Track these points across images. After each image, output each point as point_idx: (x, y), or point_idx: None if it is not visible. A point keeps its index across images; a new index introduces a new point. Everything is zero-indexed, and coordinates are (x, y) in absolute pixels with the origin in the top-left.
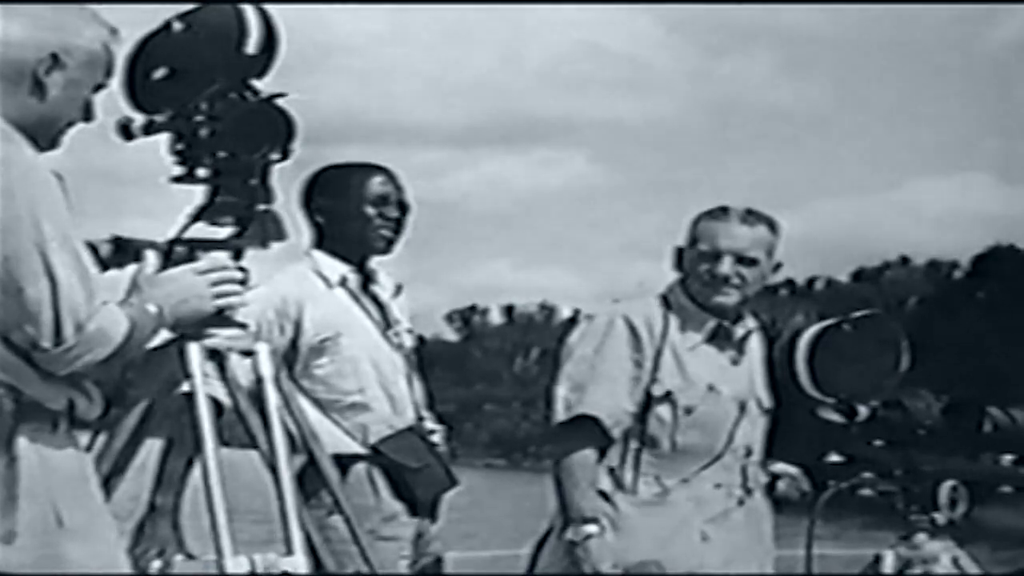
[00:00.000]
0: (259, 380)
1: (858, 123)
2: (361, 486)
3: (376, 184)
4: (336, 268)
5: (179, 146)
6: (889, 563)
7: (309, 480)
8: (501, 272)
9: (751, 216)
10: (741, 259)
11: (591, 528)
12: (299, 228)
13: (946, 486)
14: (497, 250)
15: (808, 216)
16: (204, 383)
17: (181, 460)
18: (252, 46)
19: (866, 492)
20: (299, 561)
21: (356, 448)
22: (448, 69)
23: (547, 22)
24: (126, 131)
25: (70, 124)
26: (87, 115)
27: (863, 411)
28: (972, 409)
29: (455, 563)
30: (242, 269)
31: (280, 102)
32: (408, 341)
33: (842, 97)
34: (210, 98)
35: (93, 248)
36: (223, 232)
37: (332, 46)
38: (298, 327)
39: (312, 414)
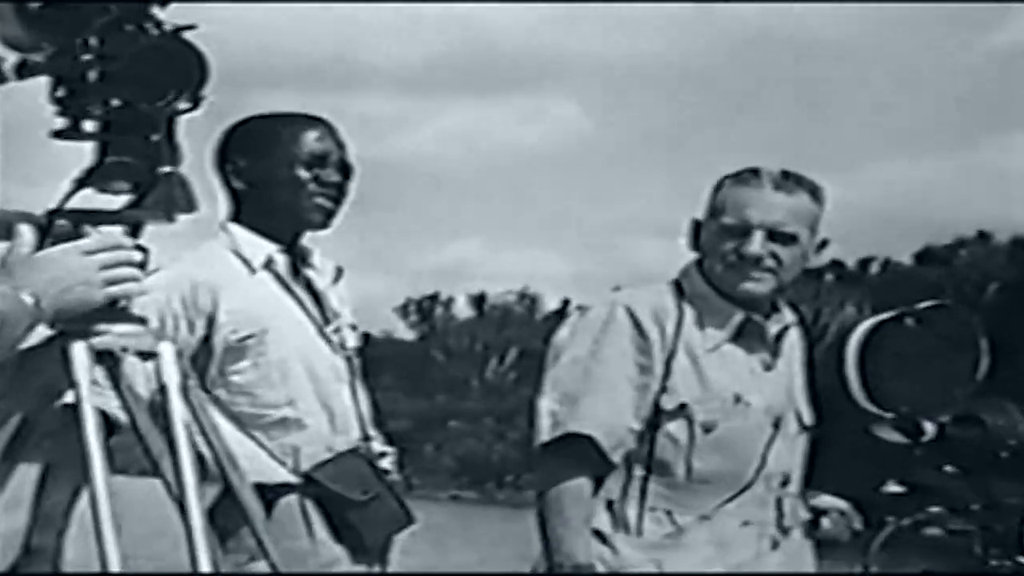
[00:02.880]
0: (162, 389)
1: (923, 62)
2: (292, 524)
3: (311, 140)
4: (260, 247)
5: (61, 92)
6: None
7: (225, 516)
8: (470, 252)
9: (788, 180)
10: (776, 235)
11: None
12: (213, 196)
13: None
14: (465, 224)
15: (860, 180)
16: (92, 393)
17: (64, 490)
18: None
19: (934, 531)
20: None
21: (285, 476)
22: None
23: None
24: None
25: None
26: None
27: (930, 429)
28: None
29: None
30: (141, 248)
31: (189, 36)
32: (351, 340)
33: (902, 29)
34: (101, 31)
35: None
36: (117, 201)
37: None
38: (212, 322)
39: (230, 432)
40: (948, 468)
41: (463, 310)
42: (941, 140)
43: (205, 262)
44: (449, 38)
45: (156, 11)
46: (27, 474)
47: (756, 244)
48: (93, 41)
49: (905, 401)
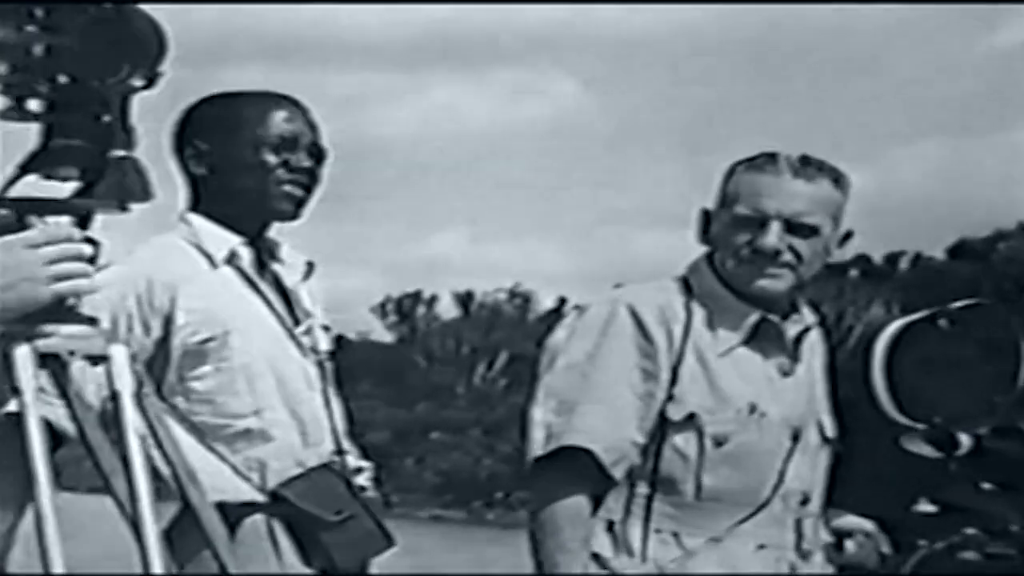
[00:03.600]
0: (114, 397)
1: (955, 40)
2: (258, 546)
3: (279, 121)
4: (223, 239)
5: (2, 68)
6: None
7: (184, 537)
8: (455, 244)
9: (808, 166)
10: (794, 227)
11: None
12: (171, 183)
13: None
14: (450, 213)
15: (888, 167)
16: (38, 401)
17: (7, 508)
18: None
19: (970, 555)
20: None
21: (251, 493)
22: None
23: None
24: None
25: None
26: None
27: (965, 441)
28: None
29: None
30: (91, 241)
31: (145, 6)
32: (324, 343)
33: (932, 6)
34: (47, 1)
35: None
36: (65, 189)
37: None
38: (169, 322)
39: (189, 445)
40: (986, 485)
41: (447, 309)
42: (977, 123)
43: (162, 256)
44: (432, 7)
45: None
46: None
47: (773, 236)
48: (38, 11)
49: (938, 411)
